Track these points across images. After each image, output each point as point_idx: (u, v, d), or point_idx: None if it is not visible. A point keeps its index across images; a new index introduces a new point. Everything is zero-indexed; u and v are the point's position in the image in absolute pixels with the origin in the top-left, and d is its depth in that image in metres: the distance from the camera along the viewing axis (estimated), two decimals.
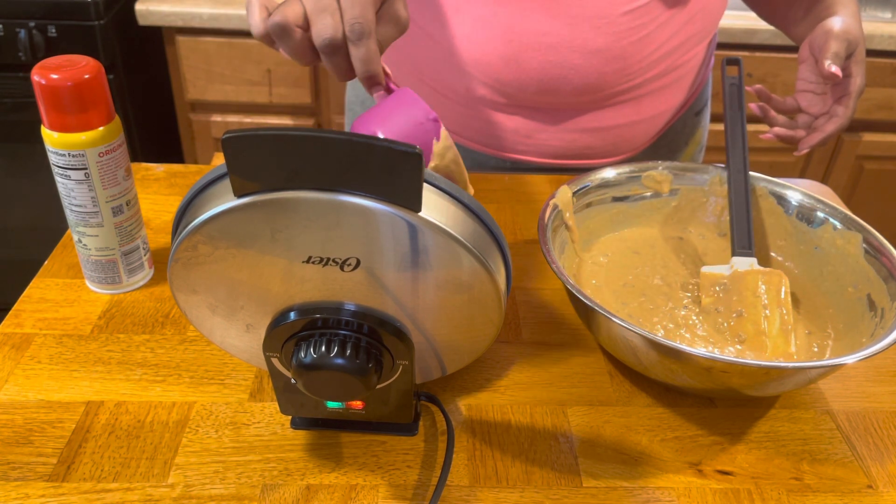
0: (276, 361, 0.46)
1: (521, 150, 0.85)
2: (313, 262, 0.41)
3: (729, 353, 0.57)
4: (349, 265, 0.41)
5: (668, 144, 0.89)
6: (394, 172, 0.37)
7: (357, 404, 0.49)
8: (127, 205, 0.60)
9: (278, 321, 0.44)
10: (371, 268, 0.41)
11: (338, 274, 0.42)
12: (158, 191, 0.77)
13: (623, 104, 0.81)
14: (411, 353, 0.45)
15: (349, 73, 0.49)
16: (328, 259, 0.41)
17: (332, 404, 0.49)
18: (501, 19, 0.74)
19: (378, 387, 0.47)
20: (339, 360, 0.42)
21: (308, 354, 0.42)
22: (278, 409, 0.52)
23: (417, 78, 0.84)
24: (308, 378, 0.43)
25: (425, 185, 0.41)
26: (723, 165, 0.68)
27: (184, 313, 0.47)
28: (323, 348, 0.42)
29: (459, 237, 0.41)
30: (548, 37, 0.74)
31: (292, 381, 0.44)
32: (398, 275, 0.42)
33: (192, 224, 0.41)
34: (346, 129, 0.81)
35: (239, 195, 0.39)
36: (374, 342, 0.44)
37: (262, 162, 0.38)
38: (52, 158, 0.56)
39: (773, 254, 0.68)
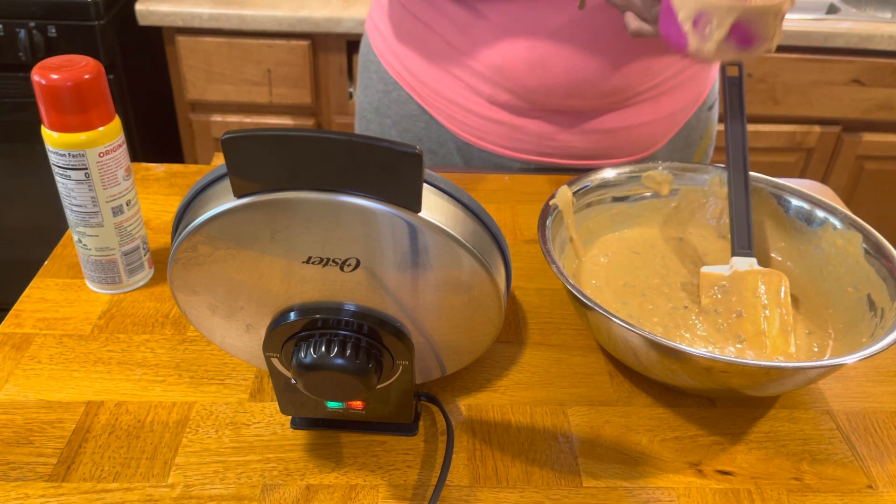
0: (276, 361, 0.46)
1: (545, 153, 0.85)
2: (313, 263, 0.41)
3: (729, 353, 0.57)
4: (349, 265, 0.41)
5: (684, 139, 0.90)
6: (394, 173, 0.37)
7: (357, 404, 0.49)
8: (127, 205, 0.60)
9: (278, 321, 0.44)
10: (371, 268, 0.41)
11: (338, 274, 0.42)
12: (158, 191, 0.77)
13: (643, 103, 0.82)
14: (411, 353, 0.45)
15: None
16: (328, 259, 0.41)
17: (332, 404, 0.49)
18: (524, 26, 0.74)
19: (378, 387, 0.47)
20: (339, 361, 0.42)
21: (308, 354, 0.42)
22: (278, 409, 0.52)
23: (440, 83, 0.84)
24: (308, 378, 0.43)
25: (425, 185, 0.41)
26: (723, 165, 0.68)
27: (184, 313, 0.47)
28: (323, 348, 0.42)
29: (459, 237, 0.41)
30: (571, 41, 0.74)
31: (292, 381, 0.44)
32: (398, 275, 0.42)
33: (192, 224, 0.41)
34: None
35: (239, 195, 0.39)
36: (374, 342, 0.44)
37: (262, 162, 0.38)
38: (53, 158, 0.56)
39: (772, 254, 0.68)
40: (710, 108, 0.91)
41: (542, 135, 0.83)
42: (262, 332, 0.45)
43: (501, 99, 0.81)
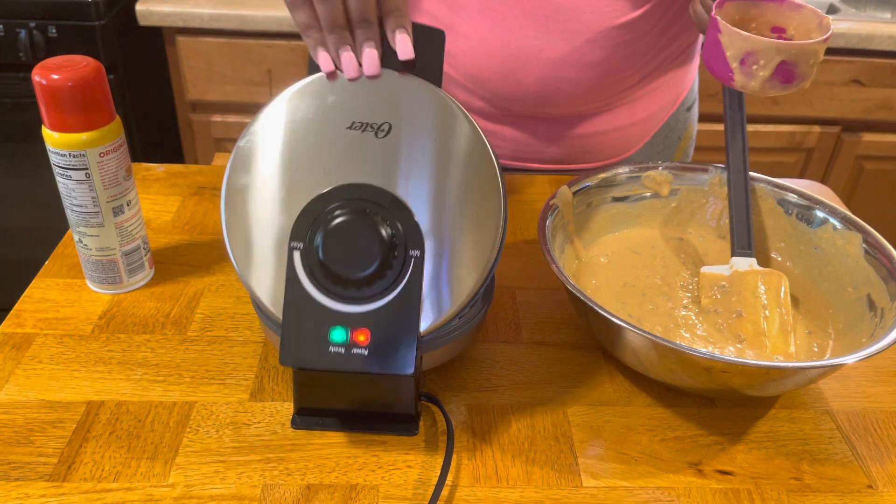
0: (297, 255, 0.48)
1: (521, 158, 0.85)
2: (355, 129, 0.49)
3: (729, 353, 0.57)
4: (383, 130, 0.49)
5: (663, 141, 0.90)
6: (420, 48, 0.47)
7: (361, 339, 0.48)
8: (127, 205, 0.60)
9: (311, 203, 0.48)
10: (399, 133, 0.49)
11: (372, 140, 0.49)
12: (159, 191, 0.77)
13: (618, 108, 0.82)
14: (422, 245, 0.48)
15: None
16: (367, 125, 0.49)
17: (336, 339, 0.48)
18: (497, 36, 0.75)
19: (387, 299, 0.47)
20: (361, 224, 0.47)
21: (333, 220, 0.47)
22: (278, 408, 0.53)
23: None
24: (330, 242, 0.47)
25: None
26: (723, 166, 0.68)
27: (222, 219, 0.50)
28: (347, 216, 0.47)
29: (468, 114, 0.50)
30: (545, 52, 0.75)
31: (317, 255, 0.47)
32: (420, 142, 0.49)
33: (278, 97, 0.50)
34: None
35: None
36: (392, 219, 0.48)
37: None
38: (53, 158, 0.56)
39: (772, 254, 0.68)
40: (689, 108, 0.92)
41: (518, 141, 0.84)
42: (292, 222, 0.48)
43: (476, 105, 0.82)
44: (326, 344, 0.48)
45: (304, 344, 0.48)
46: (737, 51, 0.59)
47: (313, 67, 0.51)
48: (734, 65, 0.60)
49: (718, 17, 0.60)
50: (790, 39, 0.63)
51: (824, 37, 0.58)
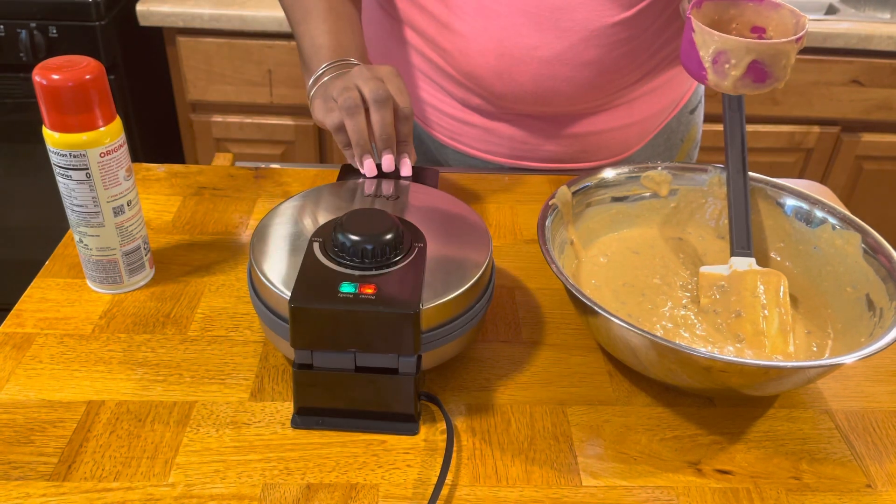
0: (316, 247, 0.53)
1: (519, 156, 0.85)
2: (371, 196, 0.62)
3: (728, 352, 0.57)
4: (394, 197, 0.62)
5: (664, 142, 0.90)
6: (418, 176, 0.67)
7: (369, 291, 0.50)
8: (128, 205, 0.60)
9: (334, 219, 0.56)
10: (406, 198, 0.62)
11: (385, 202, 0.61)
12: (159, 191, 0.77)
13: (616, 108, 0.82)
14: (425, 242, 0.55)
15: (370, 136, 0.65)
16: (382, 195, 0.62)
17: (345, 289, 0.50)
18: (492, 34, 0.75)
19: (393, 268, 0.52)
20: (377, 211, 0.55)
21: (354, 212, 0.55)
22: (278, 408, 0.53)
23: (413, 84, 0.85)
24: (351, 216, 0.54)
25: None
26: (722, 166, 0.68)
27: (251, 251, 0.55)
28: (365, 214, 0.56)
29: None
30: (539, 50, 0.75)
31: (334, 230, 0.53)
32: (423, 202, 0.62)
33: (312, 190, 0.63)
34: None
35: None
36: (401, 223, 0.55)
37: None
38: (54, 159, 0.56)
39: (771, 254, 0.68)
40: (693, 111, 0.91)
41: (515, 138, 0.84)
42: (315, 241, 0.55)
43: (474, 103, 0.82)
44: (336, 292, 0.50)
45: (315, 291, 0.50)
46: (709, 50, 0.59)
47: (343, 174, 0.67)
48: (707, 64, 0.60)
49: (692, 17, 0.60)
50: (769, 40, 0.63)
51: (796, 36, 0.58)
